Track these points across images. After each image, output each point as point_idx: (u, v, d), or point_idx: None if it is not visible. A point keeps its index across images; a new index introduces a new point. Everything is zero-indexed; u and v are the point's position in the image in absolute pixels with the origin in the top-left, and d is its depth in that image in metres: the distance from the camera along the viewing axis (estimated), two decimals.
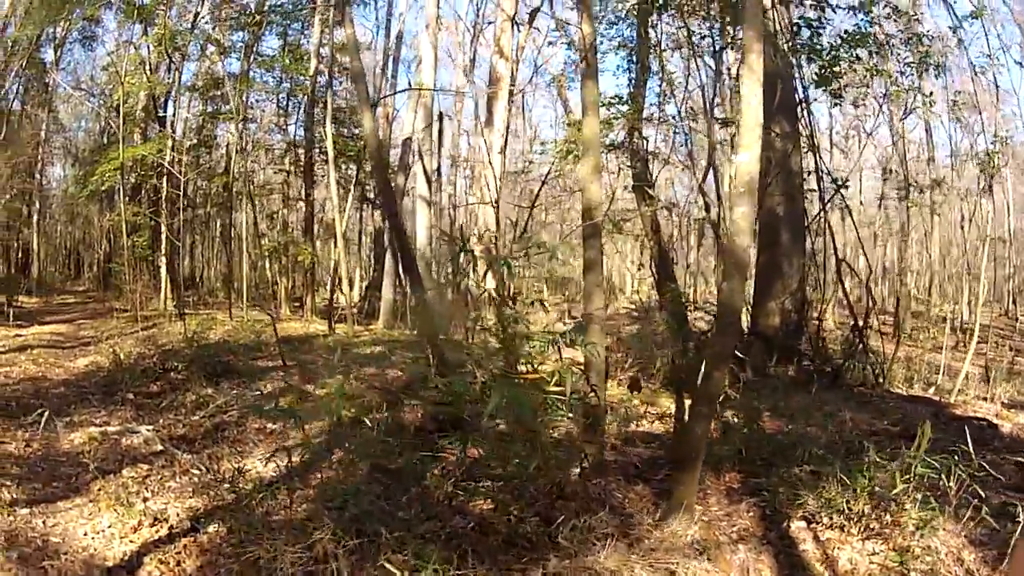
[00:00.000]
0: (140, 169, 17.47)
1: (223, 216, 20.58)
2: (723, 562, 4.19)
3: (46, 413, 6.06)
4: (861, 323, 10.22)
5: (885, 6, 10.03)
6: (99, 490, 4.93)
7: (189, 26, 17.97)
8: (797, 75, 10.02)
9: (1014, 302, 27.27)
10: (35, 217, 22.77)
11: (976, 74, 11.47)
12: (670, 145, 14.12)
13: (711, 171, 11.95)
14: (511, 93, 13.57)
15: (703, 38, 11.18)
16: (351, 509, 4.28)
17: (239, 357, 9.54)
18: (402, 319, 16.78)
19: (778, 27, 9.35)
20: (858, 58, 9.49)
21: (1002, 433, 6.89)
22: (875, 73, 9.68)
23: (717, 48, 9.30)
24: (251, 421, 6.84)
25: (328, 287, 20.61)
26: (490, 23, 18.11)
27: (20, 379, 8.41)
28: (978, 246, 19.84)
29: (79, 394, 7.79)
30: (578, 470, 4.84)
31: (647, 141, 13.08)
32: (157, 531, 4.37)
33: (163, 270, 17.48)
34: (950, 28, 10.82)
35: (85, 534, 4.29)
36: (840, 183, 9.83)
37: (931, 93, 10.97)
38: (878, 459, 4.55)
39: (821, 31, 8.91)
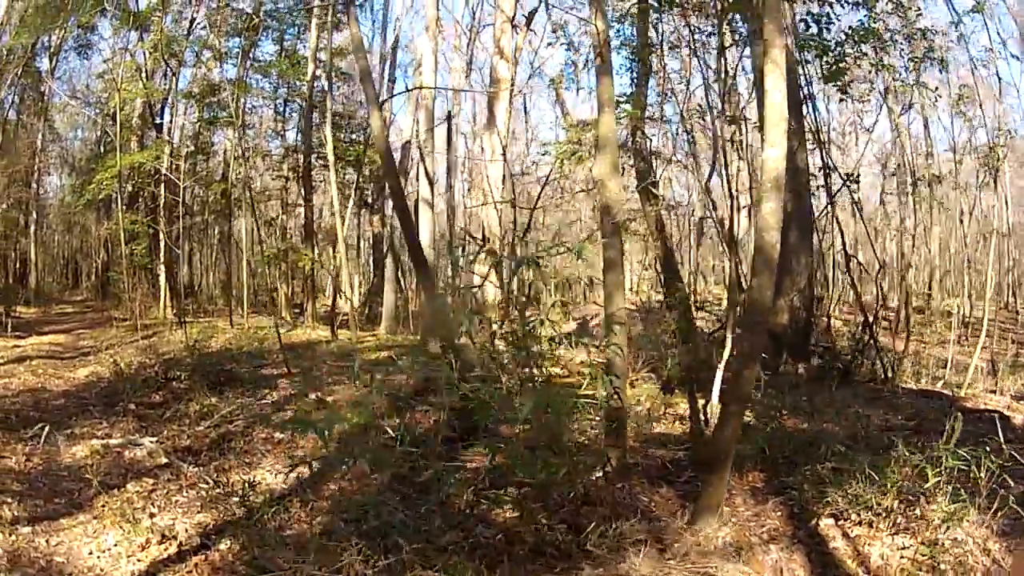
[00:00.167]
0: (137, 177, 17.34)
1: (221, 223, 20.43)
2: (756, 563, 4.11)
3: (46, 428, 5.88)
4: (871, 319, 10.11)
5: (888, 2, 9.94)
6: (103, 506, 4.77)
7: (185, 32, 17.84)
8: (802, 71, 9.92)
9: (1014, 295, 27.31)
10: (32, 227, 22.63)
11: (976, 68, 11.42)
12: (672, 144, 14.01)
13: (718, 169, 11.82)
14: (511, 95, 13.44)
15: (710, 35, 11.07)
16: (370, 521, 4.13)
17: (242, 365, 9.39)
18: (404, 324, 16.66)
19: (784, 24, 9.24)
20: (864, 54, 9.40)
21: (1015, 424, 6.92)
22: (880, 68, 9.58)
23: (726, 45, 9.17)
24: (258, 431, 6.70)
25: (328, 293, 20.48)
26: (486, 26, 18.04)
27: (19, 391, 8.25)
28: (979, 240, 19.85)
29: (80, 405, 7.63)
30: (601, 474, 4.70)
31: (650, 141, 12.97)
32: (166, 549, 4.22)
33: (162, 278, 17.30)
34: (951, 23, 10.77)
35: (91, 553, 4.14)
36: (851, 177, 9.72)
37: (936, 88, 10.88)
38: (907, 453, 4.52)
39: (829, 27, 8.80)
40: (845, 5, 8.85)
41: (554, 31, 16.41)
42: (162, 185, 16.85)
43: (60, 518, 4.53)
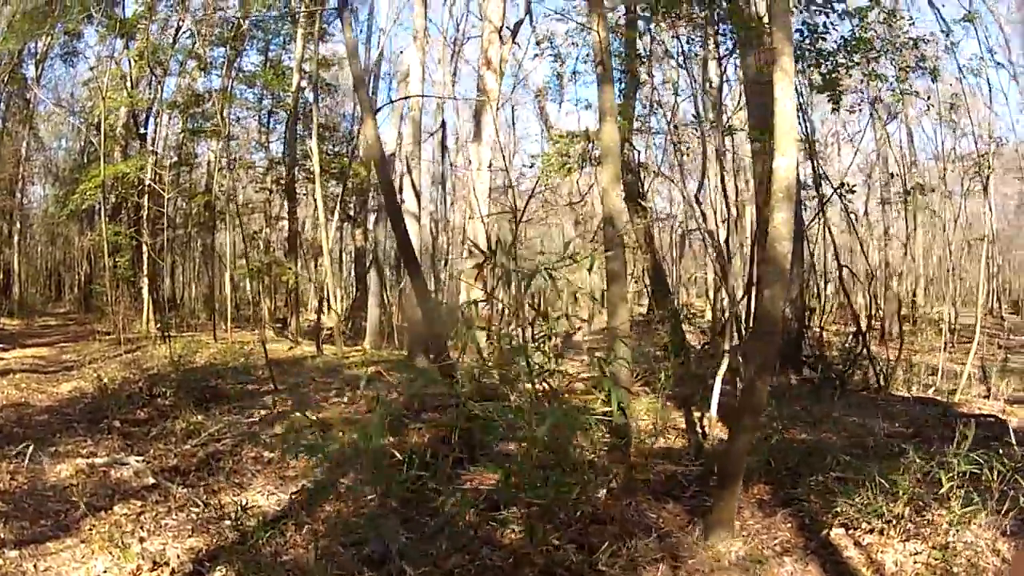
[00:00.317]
0: (121, 187, 17.06)
1: (204, 236, 20.14)
2: None
3: (31, 447, 5.67)
4: (864, 328, 10.13)
5: (879, 12, 10.00)
6: (91, 529, 4.58)
7: (171, 41, 17.65)
8: (797, 81, 9.93)
9: (998, 301, 27.67)
10: (16, 237, 22.09)
11: (963, 77, 11.51)
12: (662, 154, 14.01)
13: (707, 180, 11.83)
14: (497, 106, 13.38)
15: (702, 45, 11.07)
16: (371, 545, 3.97)
17: (227, 381, 9.19)
18: (389, 339, 16.45)
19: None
20: (856, 63, 9.44)
21: (1011, 428, 6.95)
22: (873, 78, 9.62)
23: (716, 56, 9.17)
24: (247, 450, 6.51)
25: (311, 307, 20.25)
26: (471, 39, 18.02)
27: (3, 405, 8.03)
28: (963, 247, 20.06)
29: (64, 422, 7.40)
30: (605, 491, 4.59)
31: (638, 153, 12.95)
32: (158, 575, 4.03)
33: (145, 291, 16.99)
34: (942, 31, 10.85)
35: None
36: (847, 187, 9.74)
37: (928, 97, 10.96)
38: (917, 459, 4.54)
39: (825, 36, 8.82)
40: (842, 16, 8.88)
41: (539, 43, 16.41)
42: (146, 196, 16.58)
43: (47, 541, 4.35)
